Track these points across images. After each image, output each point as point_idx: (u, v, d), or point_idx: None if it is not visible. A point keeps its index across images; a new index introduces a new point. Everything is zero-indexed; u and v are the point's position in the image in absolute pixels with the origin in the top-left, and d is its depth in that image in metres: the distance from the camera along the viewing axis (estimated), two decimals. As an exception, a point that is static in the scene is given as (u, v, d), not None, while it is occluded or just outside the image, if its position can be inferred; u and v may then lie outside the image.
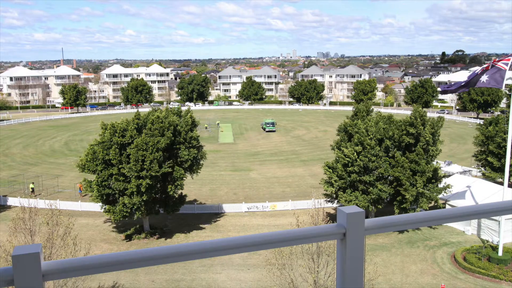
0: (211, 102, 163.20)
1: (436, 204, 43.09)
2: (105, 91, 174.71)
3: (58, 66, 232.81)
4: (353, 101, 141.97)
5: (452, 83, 30.31)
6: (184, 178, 41.68)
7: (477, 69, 29.47)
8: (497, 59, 28.78)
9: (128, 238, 41.21)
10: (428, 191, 40.66)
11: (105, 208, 39.92)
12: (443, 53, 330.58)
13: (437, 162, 43.53)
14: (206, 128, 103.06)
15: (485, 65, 28.83)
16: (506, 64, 27.39)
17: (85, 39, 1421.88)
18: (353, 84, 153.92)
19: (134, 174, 38.12)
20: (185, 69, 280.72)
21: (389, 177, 41.69)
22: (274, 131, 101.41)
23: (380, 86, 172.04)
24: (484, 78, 27.46)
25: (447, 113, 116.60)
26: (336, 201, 43.08)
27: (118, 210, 38.87)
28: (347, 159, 40.55)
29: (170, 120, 40.66)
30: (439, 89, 33.99)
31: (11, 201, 50.17)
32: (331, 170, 42.13)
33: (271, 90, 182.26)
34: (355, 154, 40.12)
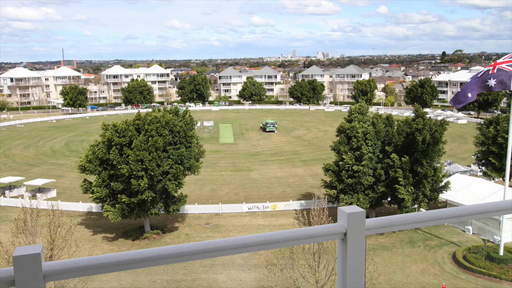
0: (211, 103, 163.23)
1: (436, 203, 43.06)
2: (105, 91, 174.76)
3: (58, 67, 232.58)
4: (353, 100, 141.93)
5: (460, 93, 28.37)
6: (185, 175, 41.67)
7: (479, 72, 29.04)
8: (498, 60, 28.72)
9: (129, 238, 41.21)
10: (434, 193, 40.77)
11: (105, 209, 39.92)
12: (443, 53, 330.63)
13: (444, 162, 43.66)
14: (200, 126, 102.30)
15: (487, 68, 28.68)
16: (511, 66, 27.57)
17: (86, 40, 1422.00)
18: (353, 84, 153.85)
19: (134, 174, 38.14)
20: (185, 69, 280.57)
21: (389, 178, 41.65)
22: (274, 131, 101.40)
23: (380, 86, 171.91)
24: (492, 82, 27.51)
25: (452, 116, 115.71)
26: (337, 202, 43.13)
27: (118, 210, 38.92)
28: (347, 165, 40.90)
29: (167, 119, 40.73)
30: (452, 103, 30.81)
31: (11, 201, 50.16)
32: (332, 173, 42.31)
33: (271, 90, 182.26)
34: (353, 160, 40.53)
